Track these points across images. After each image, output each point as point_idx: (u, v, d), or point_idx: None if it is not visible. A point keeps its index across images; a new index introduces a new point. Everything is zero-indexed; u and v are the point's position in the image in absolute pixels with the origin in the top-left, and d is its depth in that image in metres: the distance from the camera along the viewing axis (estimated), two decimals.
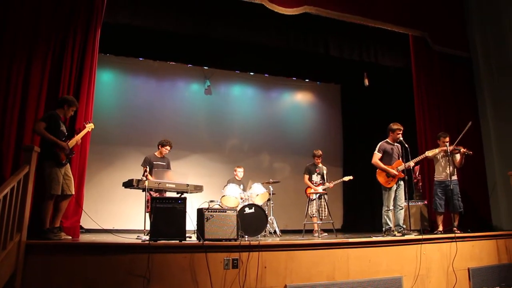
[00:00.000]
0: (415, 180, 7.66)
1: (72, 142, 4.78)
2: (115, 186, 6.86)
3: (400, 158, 6.04)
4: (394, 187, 5.93)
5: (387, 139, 6.15)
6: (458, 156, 6.48)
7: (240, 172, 7.72)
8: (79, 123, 5.12)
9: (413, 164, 6.07)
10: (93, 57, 5.39)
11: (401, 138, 6.00)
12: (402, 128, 6.08)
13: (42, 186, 4.54)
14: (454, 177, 6.41)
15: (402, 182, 5.98)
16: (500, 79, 7.54)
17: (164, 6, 6.44)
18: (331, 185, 7.41)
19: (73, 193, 4.75)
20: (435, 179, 6.60)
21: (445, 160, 6.48)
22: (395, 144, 6.12)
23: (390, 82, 9.19)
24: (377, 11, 7.31)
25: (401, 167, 5.91)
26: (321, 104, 10.84)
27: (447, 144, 6.38)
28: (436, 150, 6.44)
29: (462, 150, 6.38)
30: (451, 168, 6.37)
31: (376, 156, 6.03)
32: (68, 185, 4.66)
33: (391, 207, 5.92)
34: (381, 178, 5.95)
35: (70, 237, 4.73)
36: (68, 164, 4.76)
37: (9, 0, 5.02)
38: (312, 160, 7.62)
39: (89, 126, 5.09)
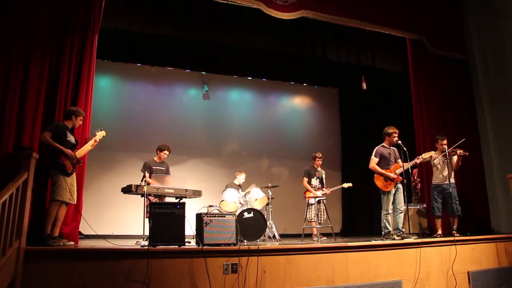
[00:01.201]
0: (413, 183, 7.65)
1: (80, 152, 4.80)
2: (114, 191, 6.85)
3: (398, 161, 6.04)
4: (393, 190, 5.89)
5: (383, 143, 6.12)
6: (455, 158, 6.49)
7: (241, 178, 7.68)
8: (77, 129, 5.10)
9: (410, 166, 6.04)
10: (91, 63, 5.40)
11: (399, 141, 5.97)
12: (397, 131, 6.06)
13: (42, 192, 4.57)
14: (452, 180, 6.40)
15: (401, 186, 5.94)
16: (497, 81, 7.57)
17: (162, 12, 6.46)
18: (329, 191, 7.39)
19: (75, 202, 4.77)
20: (432, 182, 6.59)
21: (442, 163, 6.49)
22: (392, 147, 6.11)
23: (388, 86, 9.20)
24: (374, 15, 7.35)
25: (399, 171, 5.90)
26: (319, 108, 10.85)
27: (445, 146, 6.39)
28: (432, 152, 6.44)
29: (459, 152, 6.39)
30: (448, 170, 6.37)
31: (373, 161, 5.99)
32: (71, 194, 4.66)
33: (390, 211, 5.89)
34: (379, 182, 5.93)
35: (73, 243, 4.73)
36: (74, 174, 4.77)
37: (6, 6, 5.03)
38: (311, 162, 7.62)
39: (100, 134, 5.08)
